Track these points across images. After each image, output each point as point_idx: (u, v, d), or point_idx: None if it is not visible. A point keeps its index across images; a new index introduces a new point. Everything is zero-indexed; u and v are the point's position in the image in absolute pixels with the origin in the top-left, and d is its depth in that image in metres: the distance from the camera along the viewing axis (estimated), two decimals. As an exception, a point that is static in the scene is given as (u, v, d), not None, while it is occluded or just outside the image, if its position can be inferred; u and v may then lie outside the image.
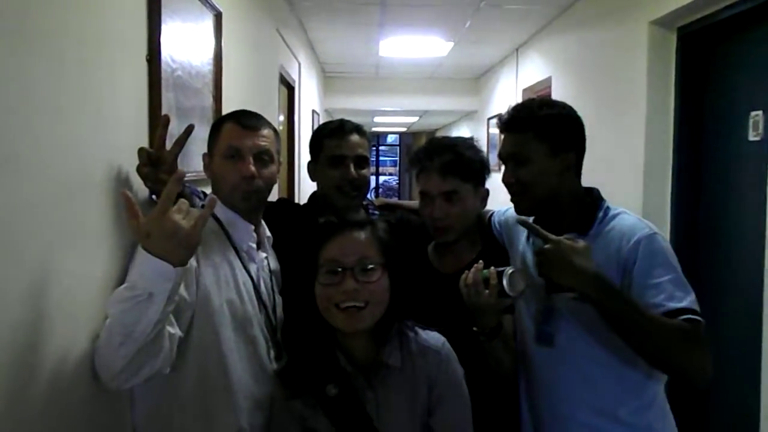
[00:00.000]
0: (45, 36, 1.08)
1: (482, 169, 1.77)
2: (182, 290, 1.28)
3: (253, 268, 1.53)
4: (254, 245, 1.56)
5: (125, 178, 1.40)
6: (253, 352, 1.46)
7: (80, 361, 1.20)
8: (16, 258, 1.00)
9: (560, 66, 4.88)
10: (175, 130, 1.52)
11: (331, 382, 1.33)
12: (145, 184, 1.44)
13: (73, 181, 1.19)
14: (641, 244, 1.41)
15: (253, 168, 1.48)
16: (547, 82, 5.08)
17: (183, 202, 1.17)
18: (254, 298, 1.50)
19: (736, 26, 2.80)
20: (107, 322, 1.18)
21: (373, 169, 2.26)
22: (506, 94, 6.56)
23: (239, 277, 1.47)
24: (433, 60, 6.81)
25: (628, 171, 3.37)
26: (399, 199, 11.81)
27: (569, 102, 1.59)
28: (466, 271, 1.53)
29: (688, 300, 1.37)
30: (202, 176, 1.67)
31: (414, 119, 12.13)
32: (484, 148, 1.85)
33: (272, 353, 1.51)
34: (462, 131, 9.85)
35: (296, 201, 4.30)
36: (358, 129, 1.92)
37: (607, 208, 1.53)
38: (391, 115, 11.27)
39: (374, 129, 14.75)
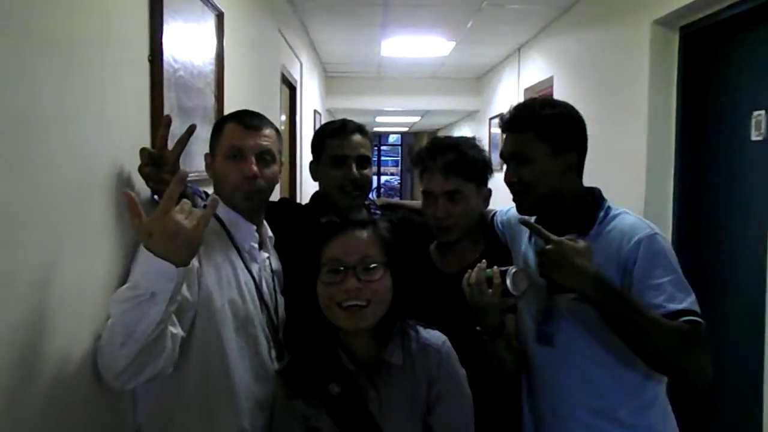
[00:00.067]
0: (48, 37, 1.09)
1: (485, 169, 1.77)
2: (184, 290, 1.28)
3: (255, 268, 1.53)
4: (256, 245, 1.56)
5: (127, 177, 1.40)
6: (255, 352, 1.46)
7: (82, 361, 1.20)
8: (18, 257, 1.00)
9: (562, 66, 4.87)
10: (177, 130, 1.52)
11: (334, 381, 1.33)
12: (147, 185, 1.44)
13: (76, 180, 1.19)
14: (642, 244, 1.41)
15: (255, 168, 1.48)
16: (548, 82, 5.08)
17: (185, 202, 1.17)
18: (256, 298, 1.50)
19: (739, 26, 2.79)
20: (109, 322, 1.18)
21: (374, 169, 2.26)
22: (508, 94, 6.56)
23: (241, 277, 1.47)
24: (435, 60, 6.81)
25: (630, 171, 3.36)
26: (401, 199, 11.80)
27: (571, 102, 1.59)
28: (470, 271, 1.53)
29: (689, 301, 1.37)
30: (203, 176, 1.67)
31: (416, 119, 12.13)
32: (486, 148, 1.84)
33: (274, 353, 1.51)
34: (464, 131, 9.84)
35: (298, 201, 4.30)
36: (360, 129, 1.92)
37: (608, 207, 1.53)
38: (393, 115, 11.28)
39: (376, 129, 14.75)
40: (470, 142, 1.78)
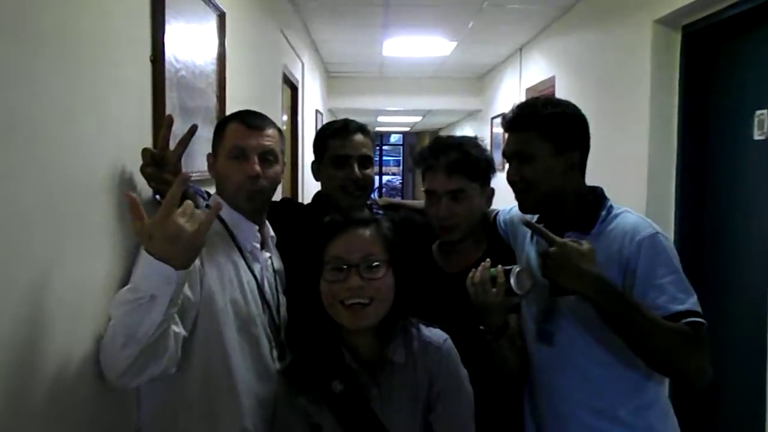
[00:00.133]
0: (50, 37, 1.09)
1: (488, 168, 1.77)
2: (186, 290, 1.28)
3: (257, 268, 1.53)
4: (258, 245, 1.56)
5: (129, 177, 1.40)
6: (257, 352, 1.46)
7: (85, 361, 1.20)
8: (19, 257, 1.01)
9: (563, 65, 4.87)
10: (178, 130, 1.52)
11: (337, 379, 1.33)
12: (149, 185, 1.44)
13: (77, 180, 1.19)
14: (644, 243, 1.41)
15: (258, 168, 1.48)
16: (550, 82, 5.08)
17: (188, 204, 1.17)
18: (258, 298, 1.50)
19: (741, 25, 2.79)
20: (111, 323, 1.18)
21: (376, 168, 2.26)
22: (510, 93, 6.55)
23: (243, 277, 1.47)
24: (437, 60, 6.81)
25: (631, 170, 3.35)
26: (402, 198, 11.80)
27: (573, 101, 1.59)
28: (473, 270, 1.53)
29: (690, 302, 1.37)
30: (206, 176, 1.67)
31: (417, 119, 12.13)
32: (488, 148, 1.84)
33: (275, 353, 1.51)
34: (465, 131, 9.84)
35: (300, 201, 4.30)
36: (362, 129, 1.92)
37: (611, 206, 1.53)
38: (395, 115, 11.27)
39: (378, 129, 14.75)
40: (473, 142, 1.78)
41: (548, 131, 1.50)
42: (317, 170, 1.96)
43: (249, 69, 2.97)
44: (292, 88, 4.74)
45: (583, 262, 1.35)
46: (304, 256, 1.40)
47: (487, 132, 7.43)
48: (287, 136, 4.50)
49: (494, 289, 1.48)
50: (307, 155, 4.72)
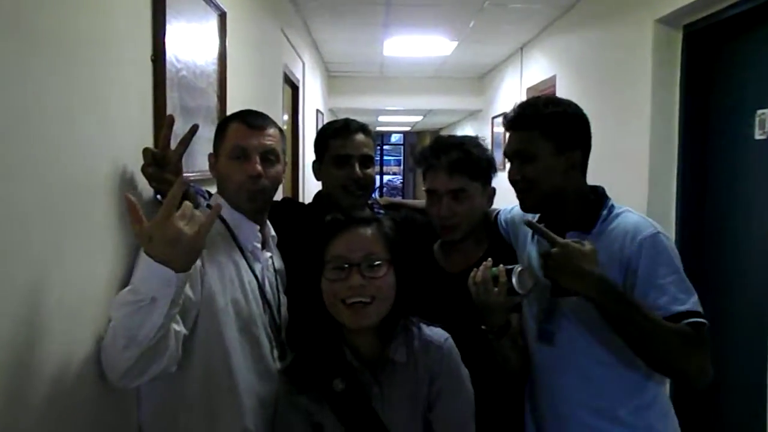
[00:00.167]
0: (50, 36, 1.09)
1: (489, 168, 1.77)
2: (188, 289, 1.28)
3: (257, 267, 1.53)
4: (259, 245, 1.56)
5: (130, 177, 1.40)
6: (258, 352, 1.46)
7: (85, 361, 1.20)
8: (19, 257, 1.00)
9: (565, 65, 4.87)
10: (179, 130, 1.52)
11: (338, 377, 1.34)
12: (150, 184, 1.44)
13: (78, 180, 1.19)
14: (645, 243, 1.41)
15: (259, 167, 1.48)
16: (551, 81, 5.08)
17: (187, 206, 1.16)
18: (259, 297, 1.50)
19: (742, 24, 2.79)
20: (111, 324, 1.18)
21: (377, 168, 2.27)
22: (511, 93, 6.55)
23: (244, 276, 1.47)
24: (437, 59, 6.80)
25: (632, 170, 3.35)
26: (403, 198, 11.80)
27: (574, 101, 1.59)
28: (475, 269, 1.53)
29: (691, 302, 1.37)
30: (207, 176, 1.67)
31: (418, 118, 12.13)
32: (489, 148, 1.84)
33: (276, 353, 1.52)
34: (466, 130, 9.84)
35: (301, 200, 4.30)
36: (363, 128, 1.92)
37: (612, 206, 1.53)
38: (395, 115, 11.28)
39: (378, 128, 14.76)
40: (474, 141, 1.78)
41: (550, 130, 1.50)
42: (318, 170, 1.96)
43: (250, 68, 2.97)
44: (292, 87, 4.74)
45: (584, 263, 1.35)
46: (305, 256, 1.40)
47: (488, 131, 7.43)
48: (288, 135, 4.50)
49: (496, 289, 1.48)
50: (307, 155, 4.72)
